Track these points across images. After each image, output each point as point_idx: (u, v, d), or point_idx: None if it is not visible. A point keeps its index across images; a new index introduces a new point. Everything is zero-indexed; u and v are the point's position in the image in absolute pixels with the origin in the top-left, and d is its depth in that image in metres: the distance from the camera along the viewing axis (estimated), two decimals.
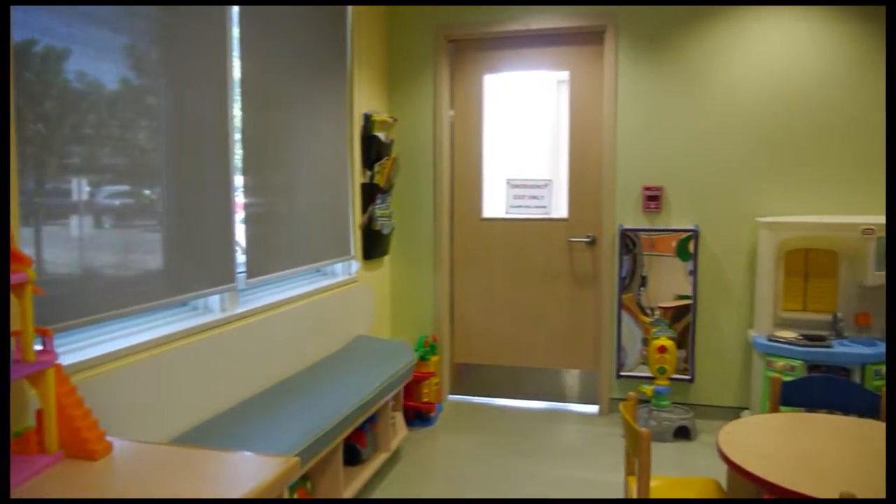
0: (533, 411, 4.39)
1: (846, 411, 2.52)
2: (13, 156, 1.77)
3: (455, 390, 4.67)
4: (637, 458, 2.07)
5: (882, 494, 1.67)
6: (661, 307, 4.11)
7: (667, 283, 4.11)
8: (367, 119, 4.04)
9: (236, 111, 2.80)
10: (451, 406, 4.48)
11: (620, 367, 4.19)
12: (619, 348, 4.19)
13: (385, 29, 4.44)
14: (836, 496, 1.69)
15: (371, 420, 3.23)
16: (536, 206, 4.38)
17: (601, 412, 4.32)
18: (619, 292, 4.18)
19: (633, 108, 4.15)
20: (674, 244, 4.07)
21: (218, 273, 2.66)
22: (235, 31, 2.78)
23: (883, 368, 3.48)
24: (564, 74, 4.33)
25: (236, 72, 2.79)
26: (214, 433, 2.35)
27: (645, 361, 4.07)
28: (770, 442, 2.15)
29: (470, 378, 4.68)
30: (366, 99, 4.12)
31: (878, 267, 3.58)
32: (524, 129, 4.50)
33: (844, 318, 3.76)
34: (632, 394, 2.36)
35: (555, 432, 4.02)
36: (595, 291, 4.36)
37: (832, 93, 3.90)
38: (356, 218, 3.97)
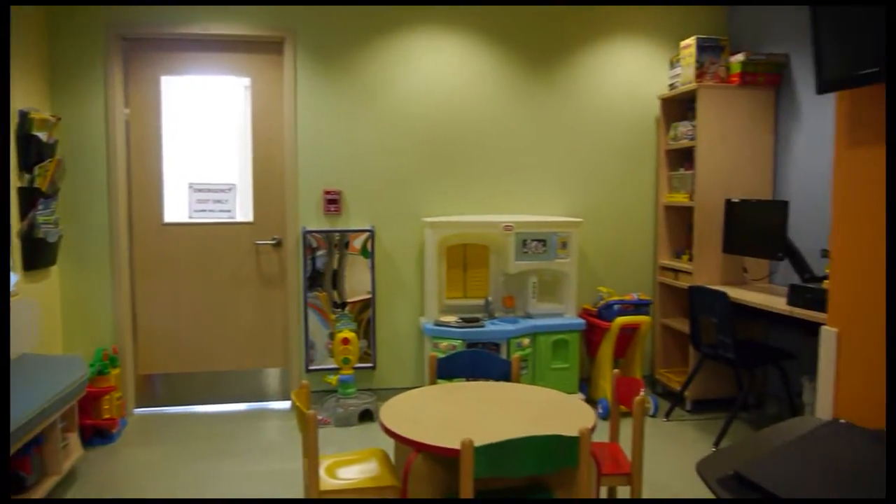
0: (230, 414, 4.41)
1: (489, 377, 3.03)
2: None
3: (143, 403, 4.47)
4: (306, 440, 2.28)
5: (505, 437, 2.06)
6: (350, 302, 4.43)
7: (357, 279, 4.44)
8: (24, 117, 3.68)
9: None
10: (139, 420, 4.29)
11: (310, 362, 4.42)
12: (308, 344, 4.41)
13: (44, 23, 4.07)
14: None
15: (36, 443, 2.98)
16: (221, 210, 4.40)
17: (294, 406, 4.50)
18: (304, 291, 4.40)
19: (313, 116, 4.41)
20: (358, 244, 4.41)
21: None
22: None
23: (523, 340, 4.20)
24: (249, 80, 4.42)
25: None
26: None
27: (332, 354, 4.35)
28: (422, 409, 2.52)
29: (161, 389, 4.52)
30: (22, 95, 3.75)
31: (518, 258, 4.30)
32: (211, 133, 4.47)
33: (494, 301, 4.45)
34: (305, 382, 2.57)
35: (250, 431, 4.09)
36: (282, 291, 4.52)
37: (483, 110, 4.58)
38: (13, 226, 3.60)
